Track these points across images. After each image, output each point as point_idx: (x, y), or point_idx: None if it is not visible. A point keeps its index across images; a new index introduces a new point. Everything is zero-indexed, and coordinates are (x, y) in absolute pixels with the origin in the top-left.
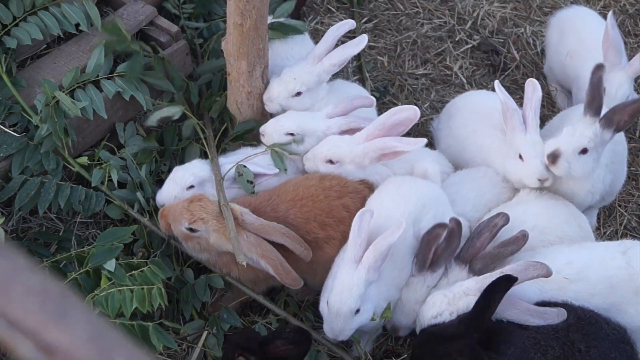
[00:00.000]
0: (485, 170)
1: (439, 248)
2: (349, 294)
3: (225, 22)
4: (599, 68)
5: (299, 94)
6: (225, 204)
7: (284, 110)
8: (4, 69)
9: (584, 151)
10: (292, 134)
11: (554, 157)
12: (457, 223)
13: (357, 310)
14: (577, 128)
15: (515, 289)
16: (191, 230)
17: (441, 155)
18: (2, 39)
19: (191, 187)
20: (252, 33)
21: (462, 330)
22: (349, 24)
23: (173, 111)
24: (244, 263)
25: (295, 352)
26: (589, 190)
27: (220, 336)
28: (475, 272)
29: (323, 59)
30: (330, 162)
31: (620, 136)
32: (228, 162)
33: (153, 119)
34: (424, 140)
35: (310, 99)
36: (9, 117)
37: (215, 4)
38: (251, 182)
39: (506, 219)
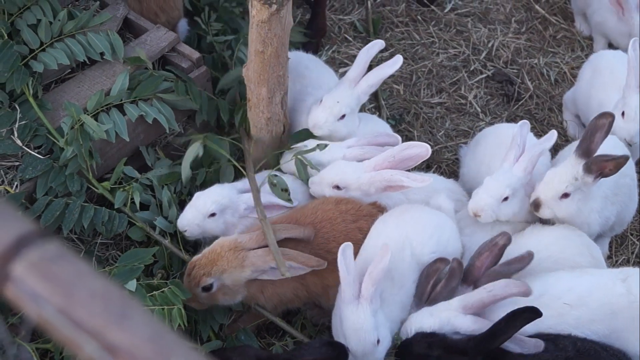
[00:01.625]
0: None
1: (437, 285)
2: (364, 332)
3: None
4: (605, 116)
5: (343, 116)
6: (263, 217)
7: (330, 135)
8: (31, 92)
9: (565, 195)
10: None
11: (536, 205)
12: (458, 263)
13: (378, 341)
14: (557, 172)
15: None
16: (206, 289)
17: (456, 184)
18: (29, 63)
19: (213, 214)
20: (272, 60)
21: (469, 347)
22: (378, 44)
23: (195, 151)
24: (288, 274)
25: None
26: (583, 222)
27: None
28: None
29: (360, 81)
30: (337, 187)
31: (628, 168)
32: (247, 186)
33: (186, 172)
34: (431, 179)
35: (352, 123)
36: (34, 139)
37: (242, 20)
38: (286, 190)
39: (507, 238)
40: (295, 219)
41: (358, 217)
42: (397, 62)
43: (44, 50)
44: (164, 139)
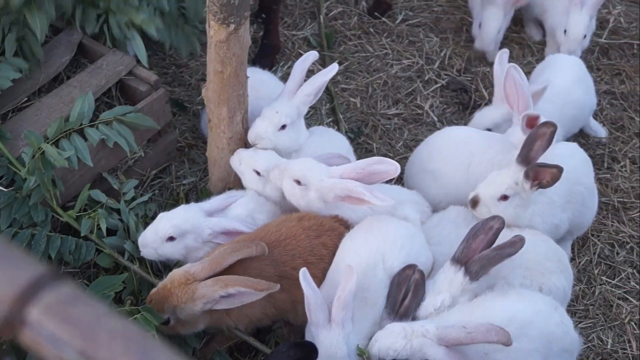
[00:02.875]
0: (457, 210)
1: (406, 298)
2: (336, 359)
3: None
4: (547, 125)
5: (284, 127)
6: None
7: (274, 146)
8: None
9: (504, 198)
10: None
11: (473, 203)
12: (420, 274)
13: None
14: (500, 175)
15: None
16: (164, 323)
17: (419, 195)
18: None
19: (171, 238)
20: (232, 80)
21: None
22: (312, 54)
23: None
24: (277, 287)
25: None
26: (526, 225)
27: None
28: (471, 274)
29: (297, 92)
30: (298, 182)
31: (584, 177)
32: (214, 206)
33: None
34: (392, 202)
35: (295, 134)
36: None
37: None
38: None
39: (502, 221)
40: (260, 237)
41: (321, 233)
42: (332, 69)
43: None
44: (125, 163)
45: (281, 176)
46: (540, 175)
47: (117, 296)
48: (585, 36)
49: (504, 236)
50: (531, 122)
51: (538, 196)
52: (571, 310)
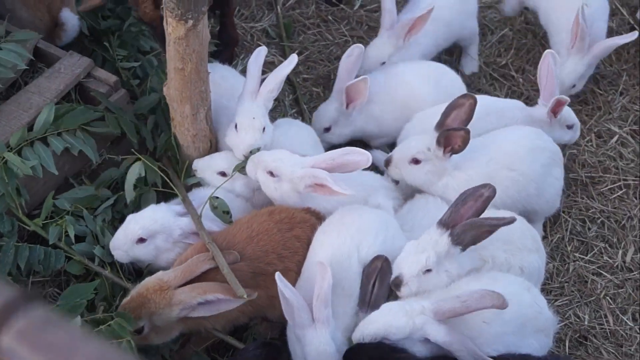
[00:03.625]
0: (427, 197)
1: (374, 288)
2: (327, 357)
3: (156, 57)
4: (467, 97)
5: (264, 129)
6: (209, 241)
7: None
8: None
9: (415, 161)
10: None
11: (387, 162)
12: (385, 261)
13: None
14: (415, 139)
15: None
16: (137, 332)
17: (390, 182)
18: None
19: (142, 240)
20: (193, 76)
21: None
22: (262, 50)
23: (137, 171)
24: (245, 296)
25: None
26: (438, 194)
27: None
28: (455, 238)
29: (260, 90)
30: (271, 174)
31: (521, 163)
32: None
33: (130, 193)
34: (353, 192)
35: (270, 131)
36: None
37: (143, 38)
38: (228, 212)
39: (493, 190)
40: (232, 234)
41: (293, 225)
42: (292, 61)
43: None
44: (89, 167)
45: (255, 168)
46: (452, 140)
47: (90, 303)
48: (574, 86)
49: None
50: (558, 105)
51: (456, 171)
52: (546, 289)
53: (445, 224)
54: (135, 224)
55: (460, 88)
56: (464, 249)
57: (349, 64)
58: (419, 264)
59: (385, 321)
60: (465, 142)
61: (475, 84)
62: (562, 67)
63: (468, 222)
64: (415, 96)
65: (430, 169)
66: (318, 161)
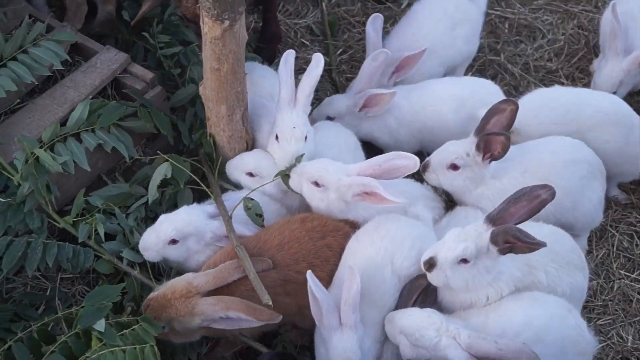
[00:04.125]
0: (467, 210)
1: (416, 302)
2: None
3: (199, 47)
4: (508, 102)
5: (305, 137)
6: (238, 245)
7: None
8: None
9: (453, 167)
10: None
11: (424, 167)
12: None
13: None
14: (454, 143)
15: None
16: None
17: (432, 191)
18: None
19: (174, 241)
20: (230, 77)
21: None
22: (290, 55)
23: (163, 171)
24: (270, 302)
25: None
26: (472, 203)
27: None
28: (493, 236)
29: (297, 96)
30: (316, 184)
31: (557, 176)
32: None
33: (153, 192)
34: (405, 200)
35: (313, 138)
36: None
37: (184, 28)
38: (260, 216)
39: (552, 193)
40: (263, 240)
41: (325, 234)
42: (319, 62)
43: None
44: (123, 164)
45: (300, 180)
46: (491, 146)
47: (119, 303)
48: (615, 91)
49: (543, 228)
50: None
51: (492, 180)
52: (589, 306)
53: (492, 219)
54: (168, 225)
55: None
56: (501, 252)
57: (372, 68)
58: (456, 250)
59: (417, 323)
60: (505, 148)
61: (523, 88)
62: (598, 72)
63: (505, 228)
64: (440, 123)
65: (468, 175)
66: (364, 168)
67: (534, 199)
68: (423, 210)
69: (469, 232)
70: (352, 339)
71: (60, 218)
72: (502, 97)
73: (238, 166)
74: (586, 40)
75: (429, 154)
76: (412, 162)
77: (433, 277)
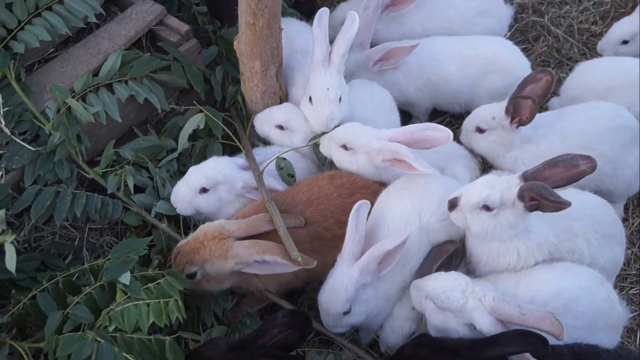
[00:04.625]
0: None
1: (440, 268)
2: (337, 297)
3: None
4: (545, 72)
5: (340, 99)
6: (268, 199)
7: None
8: (13, 75)
9: (479, 130)
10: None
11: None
12: (455, 245)
13: (347, 311)
14: (483, 107)
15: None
16: (190, 277)
17: (472, 157)
18: (9, 43)
19: (204, 190)
20: (265, 32)
21: (463, 348)
22: (324, 12)
23: (196, 123)
24: (300, 259)
25: (294, 335)
26: (499, 166)
27: None
28: (520, 191)
29: (331, 57)
30: (345, 147)
31: (600, 143)
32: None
33: (183, 141)
34: (436, 171)
35: (347, 99)
36: (19, 125)
37: None
38: (292, 176)
39: (592, 166)
40: (292, 195)
41: (354, 191)
42: (354, 20)
43: (22, 28)
44: (156, 116)
45: (329, 144)
46: (520, 110)
47: (146, 256)
48: (626, 41)
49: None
50: None
51: (528, 145)
52: (622, 275)
53: (525, 176)
54: (197, 173)
55: (512, 64)
56: (527, 209)
57: (367, 16)
58: (479, 196)
59: (442, 285)
60: (532, 113)
61: (566, 51)
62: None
63: (531, 184)
64: (445, 79)
65: (495, 138)
66: (396, 134)
67: (571, 168)
68: (462, 170)
69: (498, 181)
70: (353, 277)
71: (90, 168)
72: (513, 55)
73: (268, 119)
74: (633, 4)
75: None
76: (445, 135)
77: (453, 217)
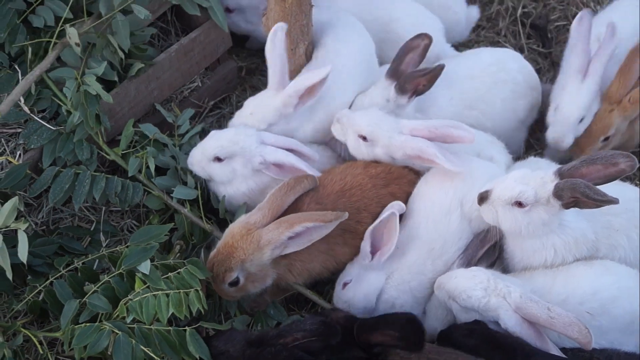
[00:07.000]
0: (537, 161)
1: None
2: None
3: None
4: (421, 37)
5: None
6: None
7: None
8: (30, 51)
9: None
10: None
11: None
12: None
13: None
14: (367, 94)
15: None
16: (233, 284)
17: (505, 148)
18: (27, 18)
19: (218, 159)
20: (295, 9)
21: (516, 344)
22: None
23: None
24: (331, 217)
25: (317, 345)
26: None
27: None
28: (556, 188)
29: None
30: (363, 138)
31: None
32: (274, 140)
33: None
34: (464, 169)
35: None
36: (38, 103)
37: None
38: None
39: (631, 165)
40: (324, 185)
41: (389, 181)
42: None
43: (42, 3)
44: (180, 94)
45: (344, 131)
46: (417, 82)
47: (167, 241)
48: (582, 119)
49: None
50: None
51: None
52: None
53: (561, 173)
54: (215, 141)
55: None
56: (564, 207)
57: None
58: (512, 191)
59: (462, 284)
60: (433, 79)
61: None
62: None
63: (572, 182)
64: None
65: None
66: (419, 128)
67: (610, 166)
68: (499, 153)
69: (533, 177)
70: (379, 276)
71: (110, 150)
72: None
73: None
74: None
75: None
76: (470, 136)
77: (483, 211)
